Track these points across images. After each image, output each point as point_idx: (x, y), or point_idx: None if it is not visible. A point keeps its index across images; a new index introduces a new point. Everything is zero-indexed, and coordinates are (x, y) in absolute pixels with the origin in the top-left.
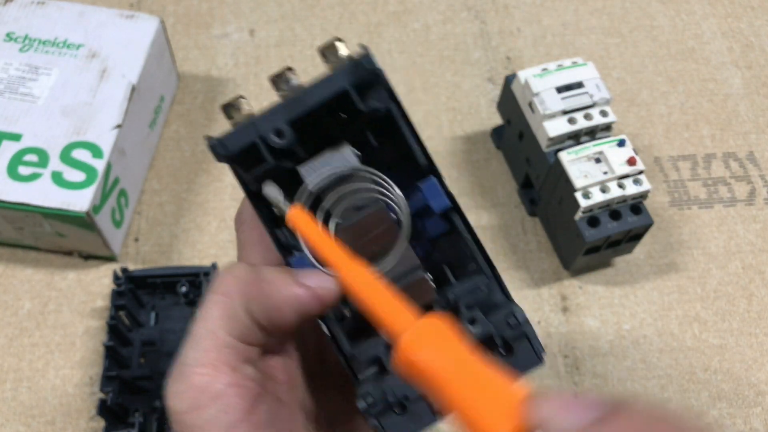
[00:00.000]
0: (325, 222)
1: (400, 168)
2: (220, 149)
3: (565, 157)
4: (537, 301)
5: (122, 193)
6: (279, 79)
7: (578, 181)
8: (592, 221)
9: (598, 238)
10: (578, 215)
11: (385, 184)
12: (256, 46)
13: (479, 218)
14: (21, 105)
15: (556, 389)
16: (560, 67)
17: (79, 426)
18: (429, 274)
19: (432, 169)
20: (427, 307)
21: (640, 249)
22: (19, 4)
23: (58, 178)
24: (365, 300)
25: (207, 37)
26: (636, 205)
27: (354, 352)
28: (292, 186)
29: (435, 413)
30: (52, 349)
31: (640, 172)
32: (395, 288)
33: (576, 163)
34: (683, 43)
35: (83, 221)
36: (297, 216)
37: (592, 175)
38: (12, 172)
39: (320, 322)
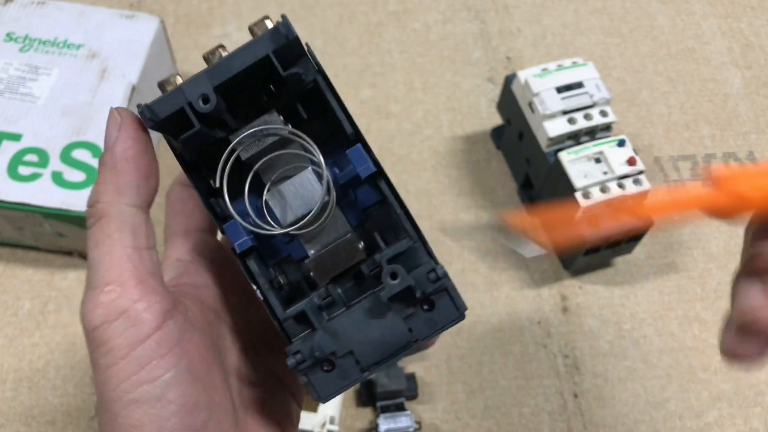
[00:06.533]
0: (256, 187)
1: (333, 141)
2: (149, 115)
3: (565, 157)
4: (537, 301)
5: None
6: (212, 57)
7: (578, 181)
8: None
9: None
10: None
11: (311, 148)
12: None
13: (479, 218)
14: (21, 105)
15: (554, 388)
16: (560, 67)
17: (79, 426)
18: (358, 237)
19: (358, 137)
20: (355, 268)
21: (640, 249)
22: (19, 4)
23: (58, 178)
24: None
25: (207, 37)
26: None
27: (287, 315)
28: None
29: (362, 370)
30: (52, 349)
31: (640, 172)
32: (325, 250)
33: (576, 163)
34: (683, 43)
35: (83, 221)
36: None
37: (592, 175)
38: (12, 172)
39: (255, 287)
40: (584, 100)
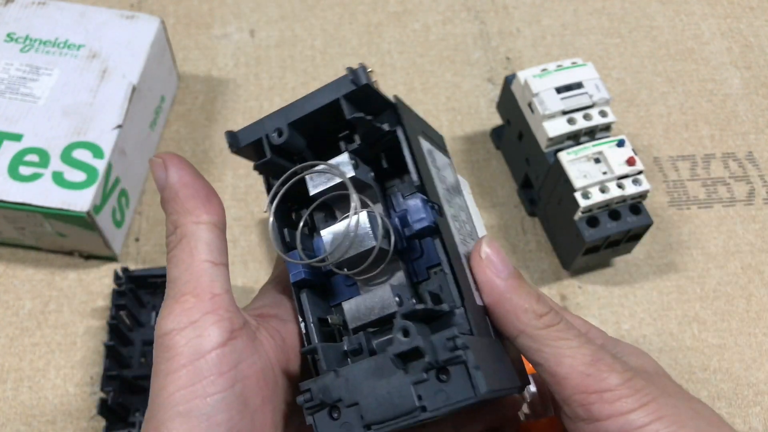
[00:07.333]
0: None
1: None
2: (232, 140)
3: (564, 157)
4: None
5: (123, 193)
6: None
7: (578, 181)
8: (592, 221)
9: (597, 238)
10: (578, 215)
11: (366, 200)
12: (257, 46)
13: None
14: (22, 105)
15: None
16: (560, 68)
17: (79, 425)
18: (410, 293)
19: (423, 190)
20: (386, 320)
21: (640, 249)
22: (19, 4)
23: (58, 178)
24: None
25: (207, 37)
26: (635, 205)
27: (319, 347)
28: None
29: (365, 426)
30: (52, 348)
31: (640, 172)
32: (362, 297)
33: (575, 164)
34: (682, 43)
35: (84, 221)
36: None
37: (591, 176)
38: (13, 172)
39: (300, 319)
40: (584, 101)
